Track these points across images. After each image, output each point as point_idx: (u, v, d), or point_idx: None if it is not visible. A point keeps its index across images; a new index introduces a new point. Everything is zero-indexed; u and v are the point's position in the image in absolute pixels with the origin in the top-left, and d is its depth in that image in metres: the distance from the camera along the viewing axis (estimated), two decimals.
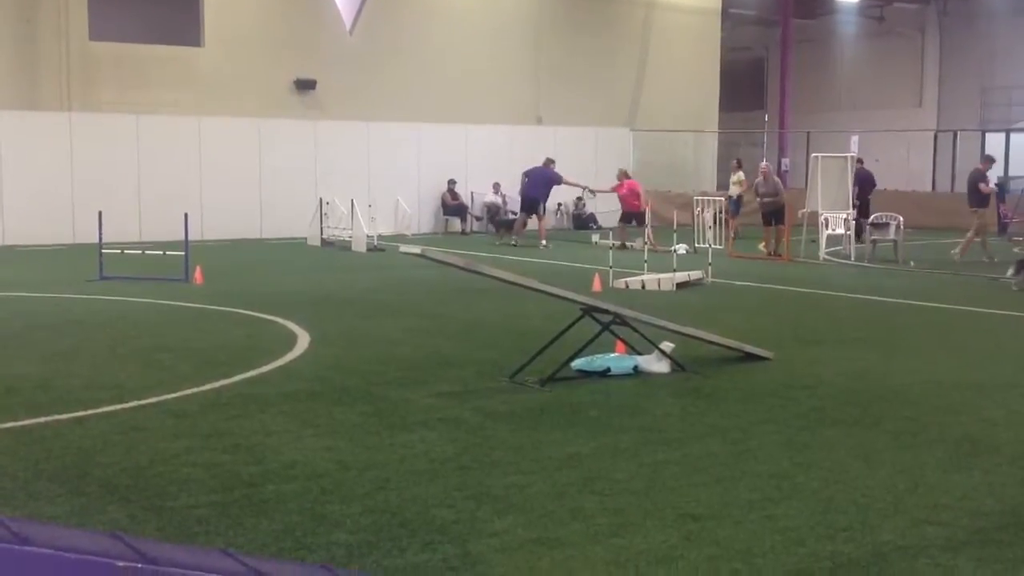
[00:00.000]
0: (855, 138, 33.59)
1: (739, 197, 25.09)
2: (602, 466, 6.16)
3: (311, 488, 5.68)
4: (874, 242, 20.00)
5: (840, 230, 20.65)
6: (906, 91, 38.07)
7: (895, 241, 19.83)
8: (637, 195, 22.35)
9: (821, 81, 38.99)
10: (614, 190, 22.64)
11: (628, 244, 21.64)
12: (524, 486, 5.76)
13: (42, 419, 7.14)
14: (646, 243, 18.33)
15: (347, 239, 21.79)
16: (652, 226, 21.32)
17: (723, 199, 21.47)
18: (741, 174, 25.60)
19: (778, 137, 35.33)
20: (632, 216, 22.33)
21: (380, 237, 22.06)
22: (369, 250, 20.91)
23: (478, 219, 26.61)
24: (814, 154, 22.37)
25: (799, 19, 36.05)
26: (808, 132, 33.08)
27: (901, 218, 20.06)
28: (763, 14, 37.89)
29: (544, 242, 22.47)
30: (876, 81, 38.34)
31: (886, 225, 20.19)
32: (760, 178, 21.35)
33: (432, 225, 26.66)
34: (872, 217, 20.63)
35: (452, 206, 26.49)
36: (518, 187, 23.95)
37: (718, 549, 4.84)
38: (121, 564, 2.12)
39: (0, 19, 22.81)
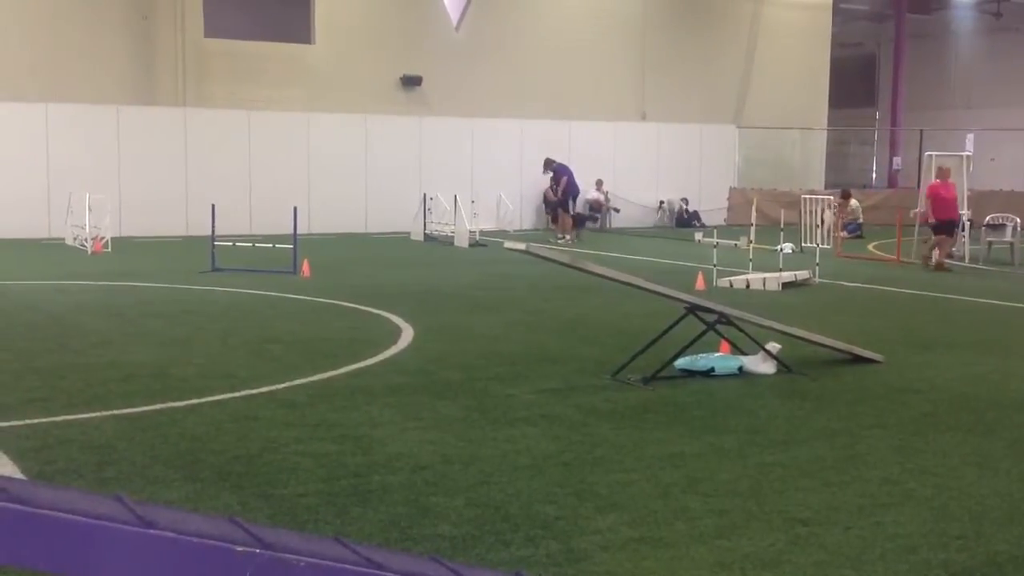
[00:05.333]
0: (970, 136, 32.62)
1: (859, 224, 24.79)
2: (706, 466, 6.10)
3: (416, 480, 5.74)
4: (989, 244, 19.40)
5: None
6: None
7: (1011, 243, 19.20)
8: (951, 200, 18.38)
9: (935, 78, 37.92)
10: (933, 193, 18.37)
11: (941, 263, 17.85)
12: (627, 484, 5.74)
13: (158, 406, 7.36)
14: (751, 242, 17.99)
15: (450, 234, 21.97)
16: (756, 225, 20.85)
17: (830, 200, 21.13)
18: (855, 201, 25.46)
19: (889, 135, 34.51)
20: (945, 226, 18.13)
21: (482, 233, 22.19)
22: (471, 245, 21.05)
23: (584, 217, 26.55)
24: (927, 152, 21.76)
25: (913, 14, 35.14)
26: (921, 130, 32.22)
27: (1018, 220, 19.41)
28: (875, 9, 37.03)
29: (568, 236, 22.99)
30: (992, 78, 37.13)
31: (1002, 227, 19.58)
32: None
33: (534, 221, 26.71)
34: (988, 218, 20.01)
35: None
36: (544, 184, 24.88)
37: (826, 554, 4.74)
38: (239, 549, 2.16)
39: (120, 16, 23.56)
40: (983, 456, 6.43)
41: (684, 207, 28.16)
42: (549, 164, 24.12)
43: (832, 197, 23.43)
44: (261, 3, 25.77)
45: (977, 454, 6.47)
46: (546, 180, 26.19)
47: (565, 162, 24.54)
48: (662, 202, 28.26)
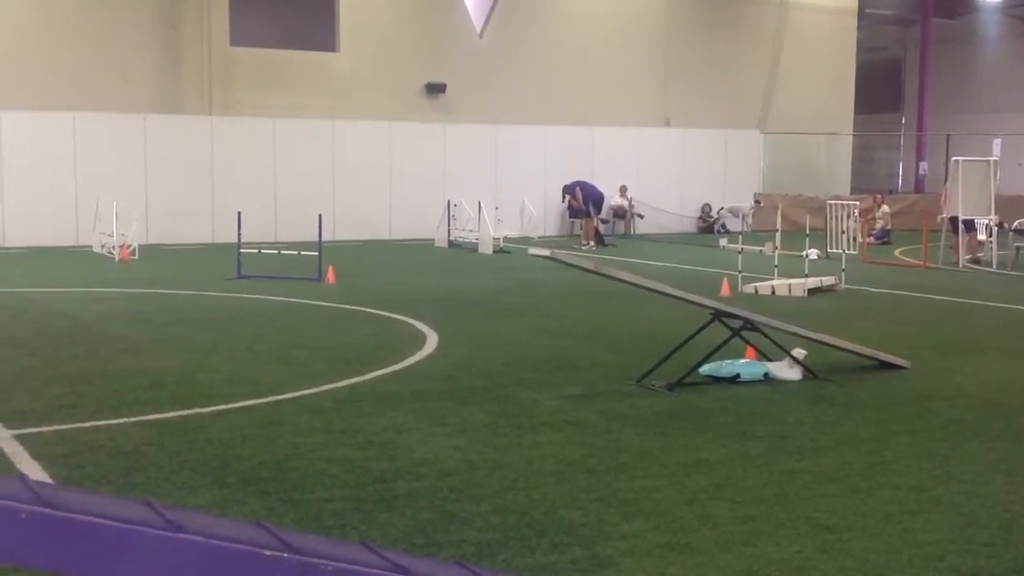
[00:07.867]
0: (997, 141, 32.38)
1: (887, 231, 24.75)
2: (732, 473, 6.08)
3: (441, 486, 5.75)
4: (1017, 249, 19.24)
5: (982, 236, 19.94)
6: None
7: None
8: None
9: (961, 83, 37.66)
10: None
11: None
12: (652, 490, 5.73)
13: (185, 412, 7.41)
14: (776, 248, 17.88)
15: (474, 241, 22.00)
16: (781, 231, 20.66)
17: (857, 211, 21.07)
18: (886, 207, 25.45)
19: (916, 140, 34.31)
20: None
21: (506, 239, 22.21)
22: (495, 252, 21.07)
23: (604, 222, 26.51)
24: (954, 157, 21.61)
25: (938, 19, 34.93)
26: (948, 135, 32.00)
27: None
28: (901, 13, 36.85)
29: (591, 243, 23.35)
30: (1019, 82, 36.84)
31: None
32: None
33: (558, 227, 26.71)
34: (1016, 223, 19.85)
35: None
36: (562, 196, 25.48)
37: (854, 562, 4.72)
38: (268, 553, 2.18)
39: (147, 25, 23.76)
40: (1011, 462, 6.38)
41: (756, 206, 27.94)
42: (565, 191, 25.04)
43: (858, 203, 23.28)
44: (286, 11, 25.92)
45: (1005, 460, 6.42)
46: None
47: (586, 171, 24.83)
48: (719, 208, 28.00)
